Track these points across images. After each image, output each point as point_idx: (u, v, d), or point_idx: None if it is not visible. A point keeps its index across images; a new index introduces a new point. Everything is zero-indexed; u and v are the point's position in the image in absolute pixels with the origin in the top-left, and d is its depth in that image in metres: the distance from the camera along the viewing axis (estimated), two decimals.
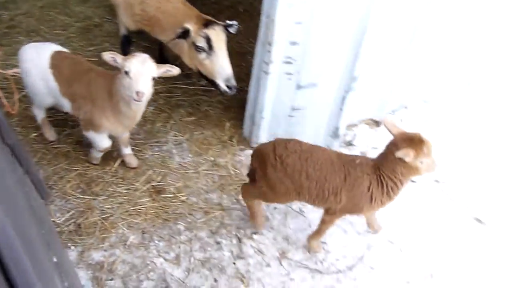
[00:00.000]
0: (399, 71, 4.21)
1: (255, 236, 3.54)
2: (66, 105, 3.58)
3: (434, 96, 4.91)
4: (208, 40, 3.60)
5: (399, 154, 2.75)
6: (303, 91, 3.72)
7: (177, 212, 3.65)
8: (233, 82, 3.71)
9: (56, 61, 3.53)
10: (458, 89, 5.05)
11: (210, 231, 3.55)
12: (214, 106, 4.59)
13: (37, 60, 3.52)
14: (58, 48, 3.69)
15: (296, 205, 3.72)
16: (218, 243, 3.49)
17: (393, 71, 4.17)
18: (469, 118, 4.87)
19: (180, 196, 3.74)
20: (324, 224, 3.27)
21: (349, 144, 4.35)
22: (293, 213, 3.70)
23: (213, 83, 3.86)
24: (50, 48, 3.63)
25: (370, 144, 4.30)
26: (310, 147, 3.13)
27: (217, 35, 3.61)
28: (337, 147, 4.18)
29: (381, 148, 3.53)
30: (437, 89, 4.88)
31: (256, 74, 3.74)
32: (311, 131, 4.06)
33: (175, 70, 3.20)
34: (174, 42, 3.84)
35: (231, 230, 3.57)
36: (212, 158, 4.08)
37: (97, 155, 3.80)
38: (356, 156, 3.21)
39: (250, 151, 4.13)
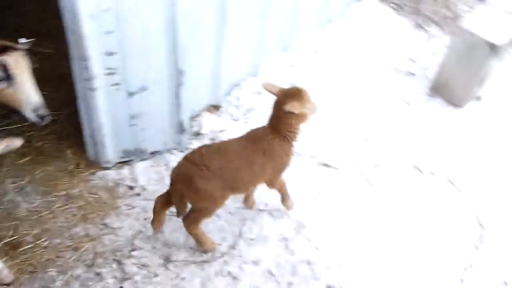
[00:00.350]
0: (224, 53, 4.39)
1: (134, 253, 3.48)
2: None
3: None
4: (4, 67, 3.17)
5: (287, 108, 3.07)
6: (135, 97, 3.68)
7: (43, 260, 3.38)
8: (43, 112, 3.34)
9: None
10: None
11: (86, 266, 3.38)
12: (47, 139, 4.21)
13: None
14: None
15: None
16: (98, 274, 3.35)
17: (218, 55, 4.34)
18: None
19: (41, 243, 3.47)
20: (278, 188, 3.55)
21: (198, 134, 4.45)
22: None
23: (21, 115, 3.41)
24: None
25: (217, 129, 4.46)
26: (220, 144, 3.44)
27: (16, 61, 3.24)
28: (186, 141, 4.26)
29: (228, 130, 3.75)
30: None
31: (81, 94, 3.58)
32: (158, 133, 4.06)
33: (17, 142, 2.88)
34: None
35: (108, 256, 3.44)
36: (64, 192, 3.82)
37: None
38: (253, 130, 3.39)
39: (103, 172, 4.00)
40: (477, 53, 4.62)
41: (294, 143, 3.34)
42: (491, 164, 4.51)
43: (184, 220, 3.32)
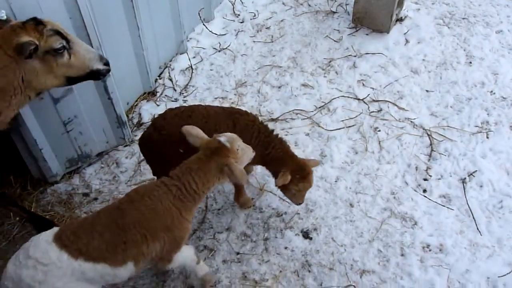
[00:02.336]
0: (143, 37, 4.27)
1: None
2: None
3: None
4: (59, 33, 2.74)
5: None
6: (63, 103, 3.52)
7: None
8: (105, 56, 3.08)
9: None
10: None
11: None
12: None
13: None
14: None
15: None
16: None
17: (136, 40, 4.21)
18: None
19: None
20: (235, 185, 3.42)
21: (140, 124, 4.36)
22: None
23: (91, 76, 3.01)
24: None
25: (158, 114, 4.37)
26: (189, 107, 3.22)
27: (56, 23, 2.80)
28: (129, 134, 4.15)
29: None
30: None
31: None
32: (98, 133, 3.93)
33: None
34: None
35: None
36: (18, 218, 3.66)
37: None
38: (238, 109, 3.28)
39: (53, 187, 3.86)
40: None
41: None
42: (432, 79, 4.68)
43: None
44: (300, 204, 3.34)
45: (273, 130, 3.27)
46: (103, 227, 2.49)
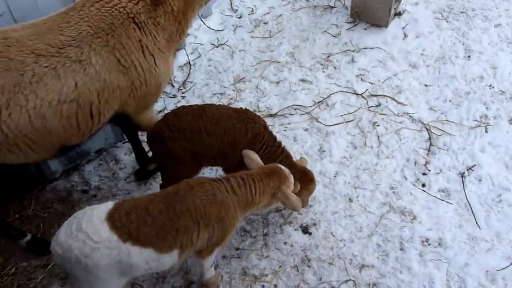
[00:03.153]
0: None
1: None
2: None
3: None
4: None
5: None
6: None
7: (14, 287, 3.27)
8: None
9: None
10: None
11: (60, 279, 3.30)
12: None
13: None
14: None
15: None
16: None
17: None
18: None
19: (8, 271, 3.37)
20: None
21: None
22: None
23: None
24: None
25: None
26: (202, 106, 3.20)
27: None
28: None
29: (168, 109, 3.64)
30: None
31: None
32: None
33: None
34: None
35: None
36: (17, 215, 3.67)
37: None
38: (247, 111, 3.24)
39: (52, 185, 3.87)
40: None
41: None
42: (430, 73, 4.67)
43: (160, 186, 3.33)
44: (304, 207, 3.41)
45: (280, 143, 3.28)
46: (158, 212, 2.55)
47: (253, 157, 2.94)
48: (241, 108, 3.27)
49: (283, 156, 3.24)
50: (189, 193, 2.63)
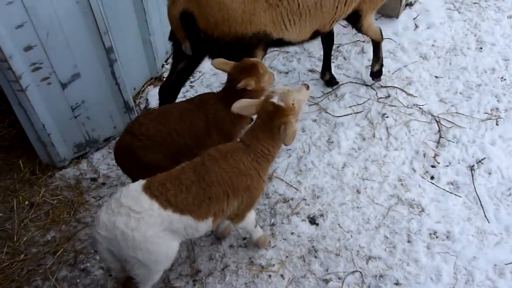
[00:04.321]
0: (150, 22, 4.25)
1: None
2: None
3: None
4: None
5: (241, 85, 2.90)
6: (70, 87, 3.53)
7: (24, 273, 3.30)
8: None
9: None
10: None
11: (69, 266, 3.33)
12: None
13: None
14: None
15: None
16: (83, 270, 3.30)
17: (143, 25, 4.18)
18: None
19: (17, 257, 3.37)
20: None
21: (147, 109, 4.36)
22: None
23: None
24: None
25: None
26: (163, 109, 3.22)
27: None
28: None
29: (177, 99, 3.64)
30: None
31: (13, 98, 3.39)
32: (106, 119, 3.94)
33: None
34: None
35: (89, 251, 3.40)
36: (27, 202, 3.70)
37: None
38: (200, 95, 3.30)
39: (61, 172, 3.89)
40: None
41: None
42: (442, 64, 4.62)
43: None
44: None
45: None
46: (191, 182, 2.59)
47: (245, 104, 2.75)
48: (190, 97, 3.33)
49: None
50: (216, 165, 2.67)
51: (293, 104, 2.67)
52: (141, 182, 2.58)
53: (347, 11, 3.62)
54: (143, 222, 2.44)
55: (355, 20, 3.86)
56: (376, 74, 4.38)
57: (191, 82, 4.57)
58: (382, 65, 4.35)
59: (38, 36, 3.17)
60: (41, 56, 3.27)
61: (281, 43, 3.50)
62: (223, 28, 3.07)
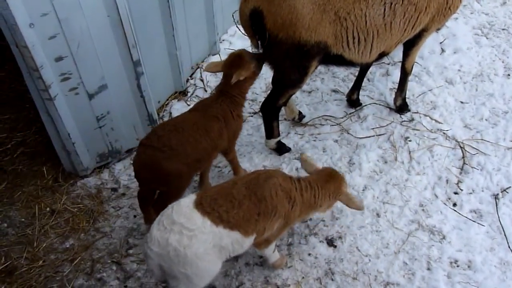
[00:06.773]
0: (177, 37, 4.32)
1: (130, 251, 3.45)
2: None
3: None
4: None
5: (234, 80, 3.19)
6: (97, 98, 3.60)
7: (41, 279, 3.33)
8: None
9: None
10: None
11: (86, 274, 3.34)
12: (20, 161, 4.13)
13: None
14: None
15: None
16: (99, 279, 3.32)
17: (170, 39, 4.26)
18: None
19: (36, 263, 3.40)
20: (232, 156, 3.62)
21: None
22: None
23: None
24: None
25: None
26: (175, 119, 3.44)
27: None
28: None
29: None
30: None
31: (41, 106, 3.49)
32: (129, 130, 4.00)
33: None
34: None
35: (106, 260, 3.41)
36: (48, 209, 3.76)
37: None
38: (201, 101, 3.55)
39: (83, 181, 3.94)
40: None
41: (243, 105, 3.49)
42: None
43: (154, 208, 3.25)
44: None
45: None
46: (242, 196, 2.65)
47: (310, 162, 3.11)
48: (191, 107, 3.51)
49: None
50: (270, 181, 2.74)
51: (346, 184, 3.11)
52: (192, 198, 2.61)
53: (413, 32, 3.56)
54: (196, 240, 2.47)
55: (414, 41, 3.77)
56: (401, 108, 4.32)
57: None
58: (404, 99, 4.30)
59: (69, 47, 3.26)
60: (70, 67, 3.35)
61: (342, 61, 3.50)
62: (288, 30, 3.14)
